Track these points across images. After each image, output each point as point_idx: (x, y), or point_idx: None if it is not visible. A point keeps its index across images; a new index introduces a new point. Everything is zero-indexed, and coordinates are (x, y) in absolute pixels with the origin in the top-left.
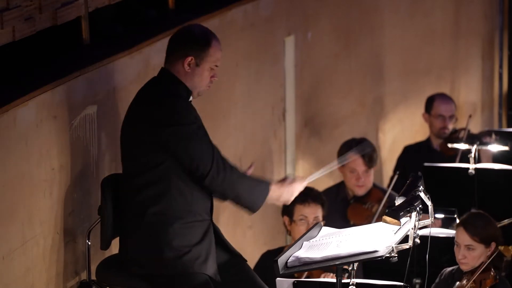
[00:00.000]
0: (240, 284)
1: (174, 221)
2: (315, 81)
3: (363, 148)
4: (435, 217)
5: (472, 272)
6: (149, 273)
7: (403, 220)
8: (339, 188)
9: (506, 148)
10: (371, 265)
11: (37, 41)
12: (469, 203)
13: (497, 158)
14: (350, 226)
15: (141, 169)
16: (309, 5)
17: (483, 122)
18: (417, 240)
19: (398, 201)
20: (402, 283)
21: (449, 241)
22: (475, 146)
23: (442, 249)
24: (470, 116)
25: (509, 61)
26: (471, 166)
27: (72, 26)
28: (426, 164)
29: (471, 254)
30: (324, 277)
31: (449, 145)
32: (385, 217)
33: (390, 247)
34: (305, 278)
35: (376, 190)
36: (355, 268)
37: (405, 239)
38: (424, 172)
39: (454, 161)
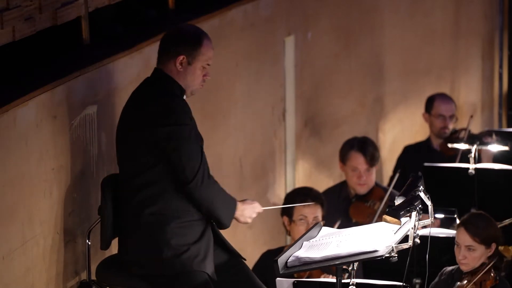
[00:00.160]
0: (239, 285)
1: (172, 221)
2: (315, 81)
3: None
4: (434, 217)
5: (472, 272)
6: (149, 273)
7: (403, 220)
8: (342, 187)
9: (506, 148)
10: (371, 265)
11: (37, 41)
12: (469, 203)
13: (497, 158)
14: (353, 224)
15: (139, 170)
16: (309, 5)
17: (483, 122)
18: (417, 240)
19: (398, 200)
20: (402, 283)
21: (449, 241)
22: (475, 146)
23: (442, 249)
24: (471, 117)
25: (509, 61)
26: (471, 166)
27: (72, 26)
28: (426, 164)
29: (471, 255)
30: (323, 278)
31: (449, 145)
32: (386, 217)
33: (390, 247)
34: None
35: (378, 189)
36: (355, 268)
37: (405, 239)
38: (424, 172)
39: (454, 161)
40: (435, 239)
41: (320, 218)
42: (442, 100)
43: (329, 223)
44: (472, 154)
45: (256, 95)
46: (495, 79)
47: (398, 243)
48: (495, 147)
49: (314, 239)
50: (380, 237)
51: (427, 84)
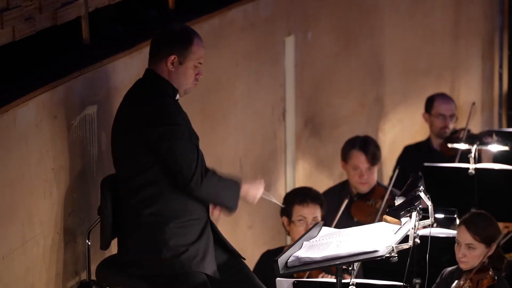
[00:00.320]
0: (239, 285)
1: (170, 221)
2: (315, 81)
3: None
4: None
5: (471, 271)
6: (148, 273)
7: (403, 220)
8: (343, 186)
9: (506, 148)
10: (371, 265)
11: (37, 41)
12: (469, 203)
13: (497, 158)
14: (354, 223)
15: (138, 170)
16: (309, 5)
17: (483, 122)
18: (417, 240)
19: (398, 200)
20: (402, 283)
21: (449, 241)
22: (475, 146)
23: (442, 249)
24: (473, 104)
25: (509, 61)
26: (471, 166)
27: (72, 26)
28: (426, 164)
29: (471, 253)
30: (322, 277)
31: (449, 145)
32: (386, 217)
33: (390, 247)
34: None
35: (379, 188)
36: (355, 268)
37: (405, 239)
38: (424, 172)
39: (454, 161)
40: (435, 239)
41: (319, 218)
42: (442, 100)
43: (329, 223)
44: (472, 154)
45: (256, 95)
46: (495, 79)
47: (398, 243)
48: (495, 147)
49: (314, 239)
50: (380, 237)
51: (427, 84)
